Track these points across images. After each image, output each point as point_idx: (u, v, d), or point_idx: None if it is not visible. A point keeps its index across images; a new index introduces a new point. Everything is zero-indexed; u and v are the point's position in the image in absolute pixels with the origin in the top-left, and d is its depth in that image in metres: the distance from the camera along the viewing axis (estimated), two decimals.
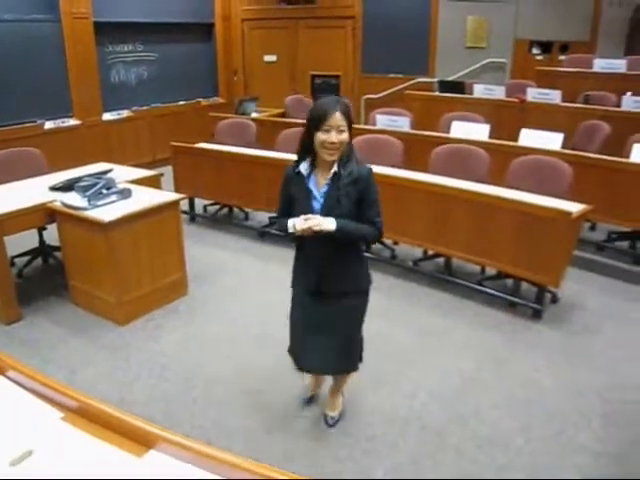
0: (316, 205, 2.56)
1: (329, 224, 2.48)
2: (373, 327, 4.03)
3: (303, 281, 2.79)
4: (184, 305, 4.39)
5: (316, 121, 2.43)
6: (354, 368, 2.96)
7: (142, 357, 3.73)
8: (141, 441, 1.59)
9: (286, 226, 2.57)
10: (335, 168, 2.51)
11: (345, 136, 2.46)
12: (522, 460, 2.83)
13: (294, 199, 2.62)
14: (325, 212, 2.52)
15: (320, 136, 2.43)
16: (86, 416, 1.69)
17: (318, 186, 2.57)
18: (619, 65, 7.28)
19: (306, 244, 2.67)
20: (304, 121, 2.57)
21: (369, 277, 2.80)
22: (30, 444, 1.58)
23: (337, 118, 2.41)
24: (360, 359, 2.98)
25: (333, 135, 2.41)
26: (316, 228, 2.46)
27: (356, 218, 2.55)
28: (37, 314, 4.25)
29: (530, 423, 3.08)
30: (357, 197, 2.53)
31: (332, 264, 2.66)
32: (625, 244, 5.21)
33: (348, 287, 2.74)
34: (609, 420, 3.10)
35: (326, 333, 2.76)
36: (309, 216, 2.49)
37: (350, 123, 2.48)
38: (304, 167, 2.57)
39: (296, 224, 2.50)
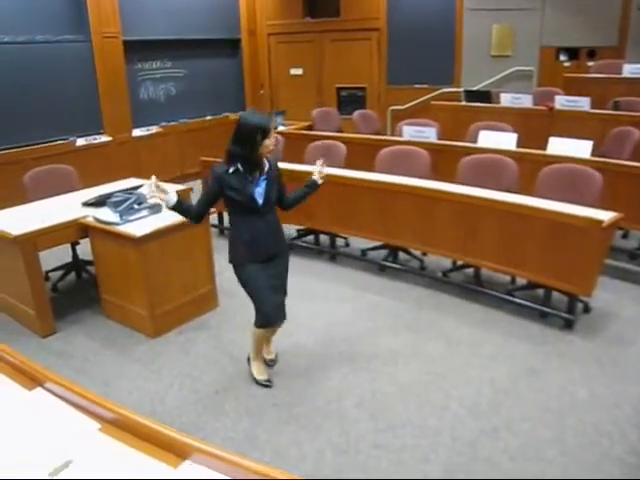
0: (259, 190, 3.19)
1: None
2: (402, 338, 4.05)
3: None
4: (215, 318, 4.43)
5: (267, 132, 3.11)
6: None
7: (174, 369, 3.77)
8: (176, 452, 1.62)
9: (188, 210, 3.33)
10: (266, 165, 3.23)
11: None
12: (555, 471, 2.79)
13: (230, 191, 3.16)
14: (267, 195, 3.20)
15: (266, 142, 3.13)
16: (122, 427, 1.72)
17: (255, 179, 3.20)
18: None
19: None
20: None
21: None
22: (68, 454, 1.61)
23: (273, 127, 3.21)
24: None
25: (274, 139, 3.20)
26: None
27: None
28: (71, 327, 4.34)
29: (563, 434, 3.04)
30: (278, 182, 3.32)
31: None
32: None
33: None
34: None
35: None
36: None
37: None
38: (239, 167, 3.15)
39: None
